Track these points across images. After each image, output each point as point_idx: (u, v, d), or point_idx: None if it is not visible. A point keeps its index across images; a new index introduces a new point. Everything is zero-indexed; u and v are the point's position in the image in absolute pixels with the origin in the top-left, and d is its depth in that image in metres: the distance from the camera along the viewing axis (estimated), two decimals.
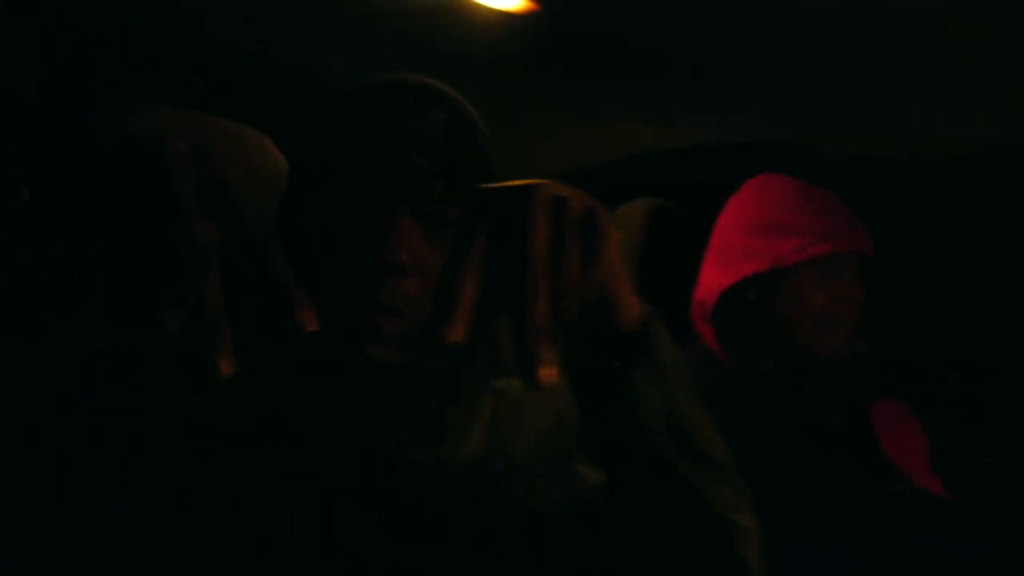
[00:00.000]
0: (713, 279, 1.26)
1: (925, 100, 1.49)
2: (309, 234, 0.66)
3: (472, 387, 0.74)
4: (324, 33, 1.43)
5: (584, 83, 1.56)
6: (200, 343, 0.41)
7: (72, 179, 0.47)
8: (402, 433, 0.68)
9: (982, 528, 1.12)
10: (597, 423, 0.61)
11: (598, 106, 1.65)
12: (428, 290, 0.66)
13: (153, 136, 0.45)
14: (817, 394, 1.22)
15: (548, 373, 0.47)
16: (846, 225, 1.23)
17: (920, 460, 1.22)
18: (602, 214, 0.52)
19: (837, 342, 1.21)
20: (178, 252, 0.42)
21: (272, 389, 0.64)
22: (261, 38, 1.43)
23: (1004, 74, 1.37)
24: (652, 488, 0.60)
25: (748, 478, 0.67)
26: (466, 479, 0.68)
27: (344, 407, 0.66)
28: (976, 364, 1.58)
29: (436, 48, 1.45)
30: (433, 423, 0.70)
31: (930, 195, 1.68)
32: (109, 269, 0.45)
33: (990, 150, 1.61)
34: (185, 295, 0.42)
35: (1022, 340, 1.53)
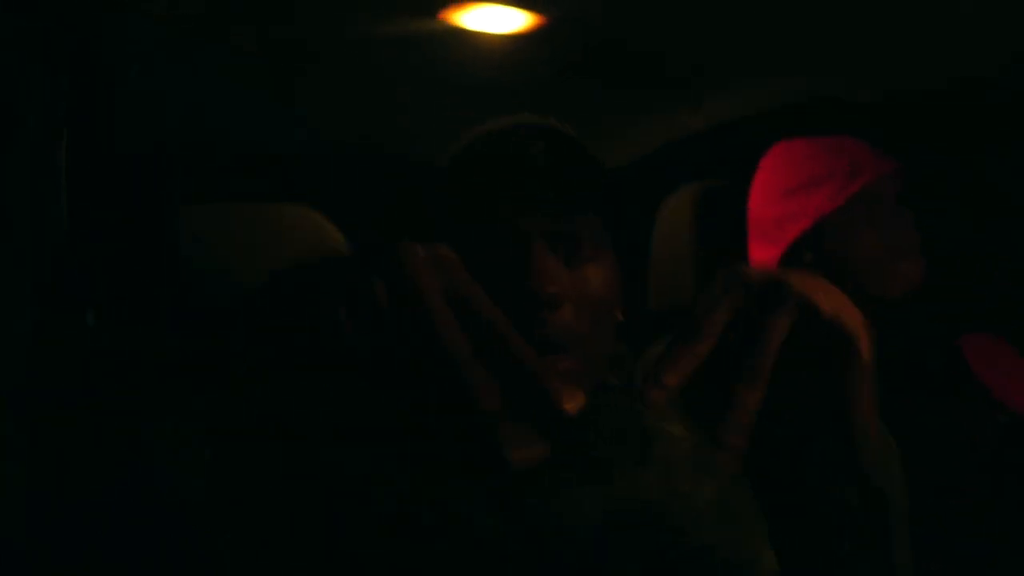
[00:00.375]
0: (763, 255, 1.27)
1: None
2: None
3: (643, 429, 0.73)
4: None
5: (607, 89, 1.56)
6: (487, 442, 0.39)
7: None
8: (570, 475, 0.68)
9: None
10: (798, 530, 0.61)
11: (622, 110, 1.65)
12: (586, 318, 0.67)
13: (394, 244, 0.43)
14: (907, 334, 1.23)
15: (730, 463, 0.47)
16: (869, 156, 1.23)
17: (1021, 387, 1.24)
18: (858, 335, 0.51)
19: (909, 271, 1.21)
20: (444, 363, 0.40)
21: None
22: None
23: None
24: None
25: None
26: (639, 522, 0.68)
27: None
28: None
29: (448, 80, 1.46)
30: (602, 464, 0.69)
31: (929, 185, 1.68)
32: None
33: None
34: (461, 402, 0.40)
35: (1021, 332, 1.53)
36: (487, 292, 0.61)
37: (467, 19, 1.26)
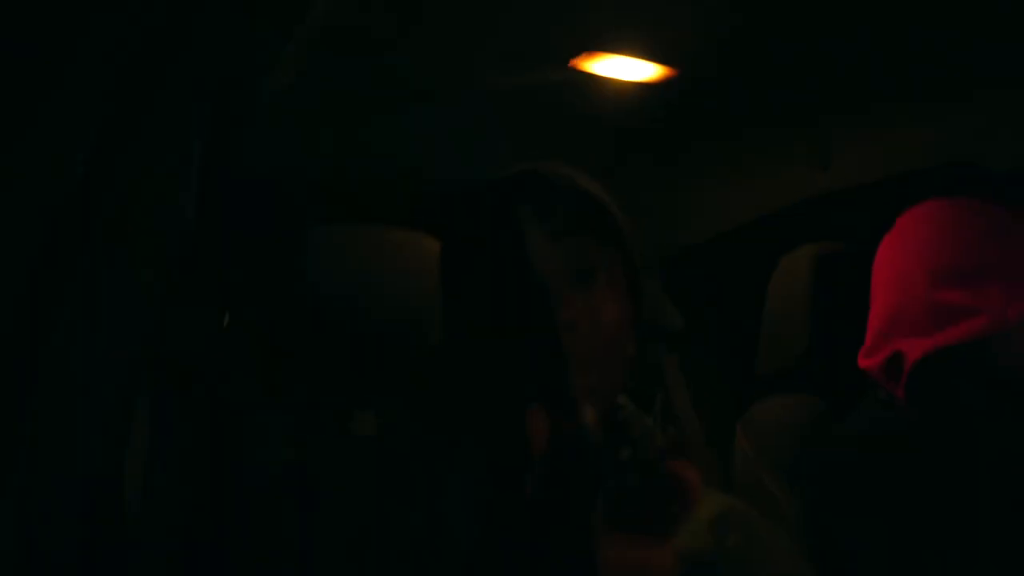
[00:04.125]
0: (904, 342, 1.02)
1: None
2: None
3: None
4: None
5: (727, 141, 1.53)
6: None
7: None
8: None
9: None
10: None
11: (746, 160, 1.61)
12: (598, 345, 0.69)
13: None
14: None
15: None
16: None
17: None
18: None
19: None
20: None
21: None
22: None
23: None
24: None
25: None
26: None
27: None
28: None
29: (578, 127, 1.47)
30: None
31: None
32: None
33: None
34: None
35: None
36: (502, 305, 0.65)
37: (597, 67, 1.27)
